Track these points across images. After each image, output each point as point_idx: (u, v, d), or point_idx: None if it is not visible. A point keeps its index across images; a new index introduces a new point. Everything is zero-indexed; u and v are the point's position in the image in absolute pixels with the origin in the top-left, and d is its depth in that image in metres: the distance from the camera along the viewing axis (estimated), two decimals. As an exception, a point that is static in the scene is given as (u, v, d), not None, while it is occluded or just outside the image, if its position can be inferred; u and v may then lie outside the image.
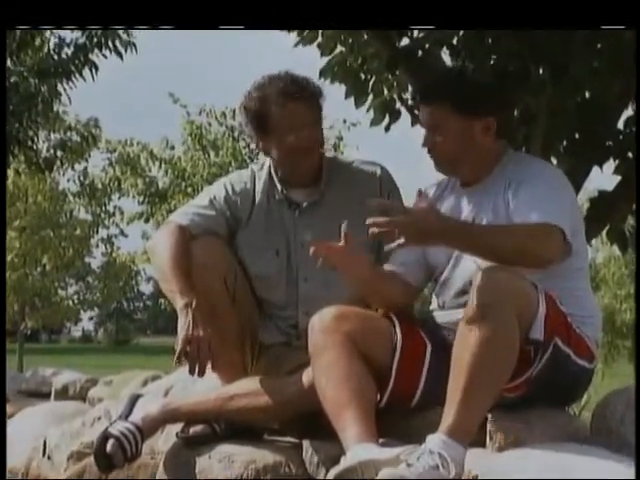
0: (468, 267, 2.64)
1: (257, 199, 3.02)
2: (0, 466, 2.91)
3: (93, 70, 8.73)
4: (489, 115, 2.71)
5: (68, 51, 8.82)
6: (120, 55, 8.67)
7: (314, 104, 2.92)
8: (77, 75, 8.79)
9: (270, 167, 3.05)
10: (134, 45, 8.65)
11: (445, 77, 3.04)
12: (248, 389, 2.82)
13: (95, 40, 8.63)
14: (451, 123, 2.68)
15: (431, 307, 2.82)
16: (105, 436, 2.79)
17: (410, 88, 4.26)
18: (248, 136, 3.30)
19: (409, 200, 2.92)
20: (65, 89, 8.93)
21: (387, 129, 4.41)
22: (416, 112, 3.21)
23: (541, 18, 2.64)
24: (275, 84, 2.89)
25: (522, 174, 2.66)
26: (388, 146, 21.80)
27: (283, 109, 2.87)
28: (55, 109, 10.59)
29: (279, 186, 3.02)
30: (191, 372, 2.68)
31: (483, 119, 2.70)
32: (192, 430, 2.84)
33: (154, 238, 3.04)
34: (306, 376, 2.72)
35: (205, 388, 3.06)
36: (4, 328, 8.24)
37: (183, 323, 2.70)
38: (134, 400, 2.93)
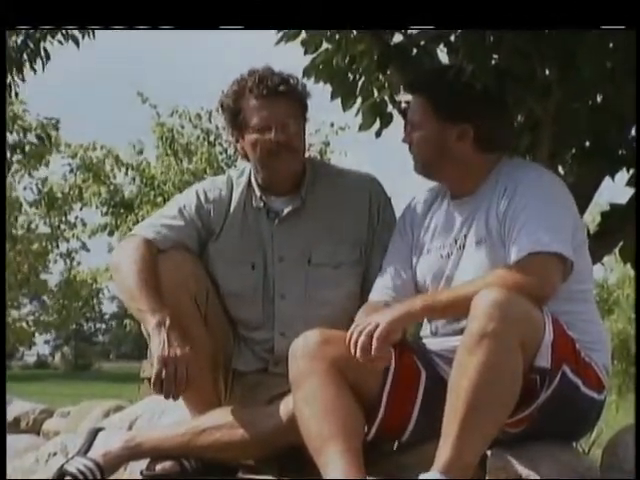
0: None
1: (232, 207, 3.01)
2: (0, 465, 2.90)
3: (44, 59, 8.57)
4: (465, 122, 2.73)
5: (17, 39, 8.70)
6: (76, 42, 8.48)
7: (295, 100, 2.95)
8: (28, 66, 8.67)
9: (250, 173, 3.04)
10: (92, 31, 8.47)
11: (427, 72, 3.16)
12: (221, 422, 2.82)
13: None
14: (426, 122, 2.75)
15: (422, 333, 2.82)
16: (61, 474, 2.79)
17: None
18: (227, 139, 3.33)
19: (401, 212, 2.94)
20: (16, 83, 8.83)
21: (378, 134, 4.41)
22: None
23: (539, 18, 2.70)
24: (252, 77, 2.92)
25: (515, 186, 2.66)
26: (379, 152, 21.91)
27: (260, 103, 2.89)
28: (7, 108, 10.52)
29: (258, 193, 3.01)
30: (166, 396, 2.69)
31: (459, 125, 2.73)
32: (159, 467, 2.83)
33: (116, 254, 3.00)
34: (285, 407, 2.72)
35: (174, 420, 3.06)
36: (4, 325, 8.22)
37: (157, 343, 2.69)
38: (94, 434, 2.93)
